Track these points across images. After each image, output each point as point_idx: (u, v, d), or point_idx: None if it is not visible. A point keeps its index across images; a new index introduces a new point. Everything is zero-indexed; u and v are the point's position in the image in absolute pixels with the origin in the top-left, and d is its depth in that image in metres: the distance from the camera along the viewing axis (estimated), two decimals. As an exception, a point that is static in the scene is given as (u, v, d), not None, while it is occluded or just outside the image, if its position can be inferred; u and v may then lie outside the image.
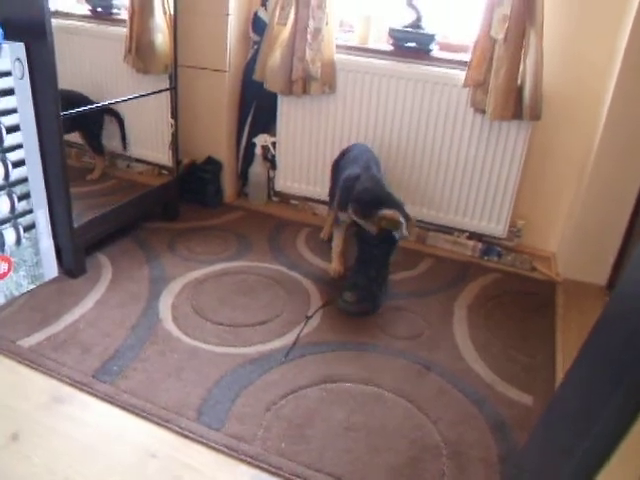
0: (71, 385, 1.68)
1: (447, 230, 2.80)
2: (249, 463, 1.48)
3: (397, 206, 2.12)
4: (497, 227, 2.69)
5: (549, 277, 2.59)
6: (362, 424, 1.63)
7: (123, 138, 2.72)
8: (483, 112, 2.47)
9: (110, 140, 2.70)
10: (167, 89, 2.58)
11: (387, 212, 2.07)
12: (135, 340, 1.89)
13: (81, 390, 1.67)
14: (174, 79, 2.60)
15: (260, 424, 1.60)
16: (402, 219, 2.06)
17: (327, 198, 2.75)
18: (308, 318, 2.11)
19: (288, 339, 1.98)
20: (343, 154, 2.52)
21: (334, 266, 2.40)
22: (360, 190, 2.16)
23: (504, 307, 2.31)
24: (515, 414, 1.73)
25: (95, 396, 1.65)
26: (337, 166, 2.51)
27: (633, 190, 2.37)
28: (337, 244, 2.38)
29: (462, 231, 2.78)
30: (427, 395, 1.77)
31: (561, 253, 2.66)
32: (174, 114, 2.67)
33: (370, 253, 2.18)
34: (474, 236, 2.77)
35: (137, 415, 1.60)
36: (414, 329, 2.11)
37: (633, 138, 2.29)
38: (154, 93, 2.54)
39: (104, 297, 2.11)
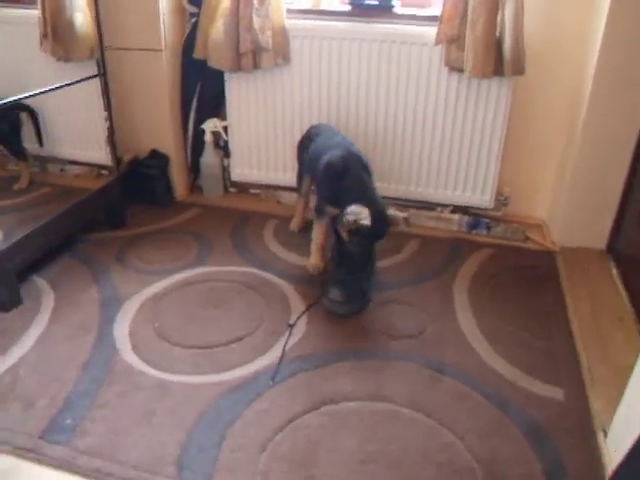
0: (13, 454, 1.33)
1: (429, 206, 2.54)
2: (251, 527, 1.19)
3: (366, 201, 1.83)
4: (483, 197, 2.45)
5: (544, 246, 2.37)
6: (379, 453, 1.36)
7: (38, 134, 2.35)
8: (460, 71, 2.20)
9: (33, 142, 2.33)
10: (93, 76, 2.20)
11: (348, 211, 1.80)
12: (89, 382, 1.56)
13: (27, 458, 1.33)
14: (102, 64, 2.22)
15: (256, 471, 1.31)
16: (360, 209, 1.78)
17: (292, 184, 2.45)
18: (291, 326, 1.82)
19: (272, 356, 1.69)
20: (309, 136, 2.21)
21: (313, 261, 2.11)
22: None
23: (506, 286, 2.07)
24: (549, 414, 1.49)
25: (46, 464, 1.31)
26: (304, 148, 2.21)
27: (629, 145, 2.15)
28: (318, 236, 2.09)
29: (445, 205, 2.53)
30: (446, 405, 1.51)
31: (554, 219, 2.44)
32: (107, 105, 2.30)
33: (351, 249, 1.90)
34: (458, 209, 2.52)
35: (102, 482, 1.28)
36: (415, 324, 1.85)
37: (628, 86, 2.06)
38: (78, 82, 2.16)
39: (47, 332, 1.76)
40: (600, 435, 1.43)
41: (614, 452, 1.35)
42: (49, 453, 1.34)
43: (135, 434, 1.39)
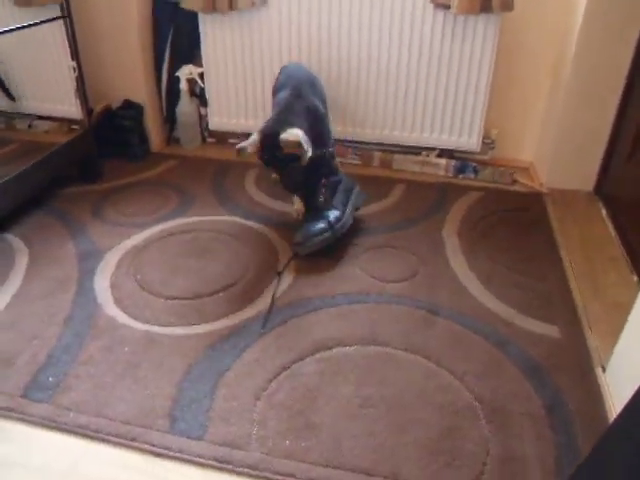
0: (-6, 413, 1.28)
1: (414, 150, 2.47)
2: (249, 475, 1.14)
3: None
4: (470, 140, 2.38)
5: (533, 189, 2.33)
6: (377, 397, 1.32)
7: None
8: (445, 7, 2.10)
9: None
10: (57, 18, 2.05)
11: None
12: (71, 337, 1.49)
13: (9, 418, 1.26)
14: (66, 6, 2.07)
15: (252, 420, 1.26)
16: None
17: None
18: (279, 274, 1.76)
19: (261, 304, 1.63)
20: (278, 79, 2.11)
21: (296, 206, 2.03)
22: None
23: (496, 228, 2.03)
24: (545, 351, 1.47)
25: (29, 422, 1.25)
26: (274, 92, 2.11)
27: (617, 85, 2.09)
28: None
29: (431, 149, 2.46)
30: (442, 346, 1.48)
31: (542, 161, 2.39)
32: (74, 53, 2.15)
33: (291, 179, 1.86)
34: (445, 153, 2.46)
35: (90, 438, 1.22)
36: (406, 268, 1.80)
37: (617, 25, 1.98)
38: (38, 24, 2.01)
39: (22, 289, 1.67)
40: (598, 370, 1.41)
41: (613, 386, 1.34)
42: (32, 411, 1.27)
43: (122, 388, 1.33)
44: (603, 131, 2.18)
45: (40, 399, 1.30)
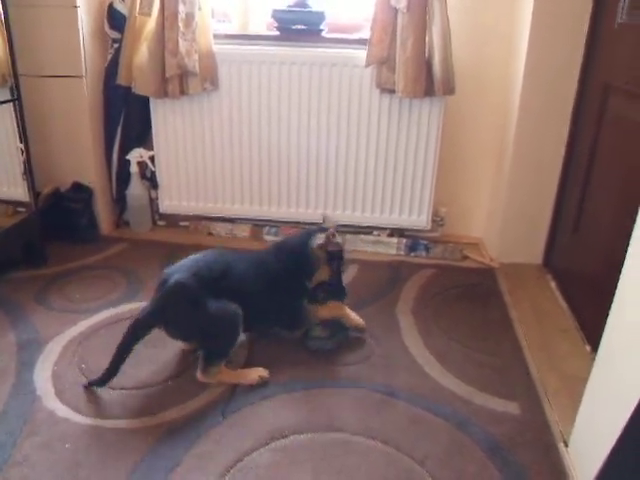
0: None
1: (365, 230, 2.50)
2: None
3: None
4: (420, 218, 2.44)
5: (483, 264, 2.38)
6: (336, 487, 1.26)
7: None
8: (391, 92, 2.20)
9: None
10: (5, 101, 2.04)
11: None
12: (4, 435, 1.37)
13: None
14: (15, 90, 2.07)
15: (203, 519, 1.17)
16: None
17: (224, 214, 2.37)
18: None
19: (212, 392, 1.55)
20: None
21: None
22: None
23: (450, 304, 2.05)
24: (507, 429, 1.45)
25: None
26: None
27: (558, 161, 2.21)
28: None
29: (382, 229, 2.50)
30: (401, 429, 1.43)
31: (491, 236, 2.46)
32: (22, 135, 2.13)
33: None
34: (395, 232, 2.50)
35: None
36: (361, 350, 1.77)
37: (554, 103, 2.12)
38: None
39: (-48, 383, 1.56)
40: (561, 446, 1.39)
41: (577, 462, 1.32)
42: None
43: (60, 491, 1.22)
44: (547, 207, 2.28)
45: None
